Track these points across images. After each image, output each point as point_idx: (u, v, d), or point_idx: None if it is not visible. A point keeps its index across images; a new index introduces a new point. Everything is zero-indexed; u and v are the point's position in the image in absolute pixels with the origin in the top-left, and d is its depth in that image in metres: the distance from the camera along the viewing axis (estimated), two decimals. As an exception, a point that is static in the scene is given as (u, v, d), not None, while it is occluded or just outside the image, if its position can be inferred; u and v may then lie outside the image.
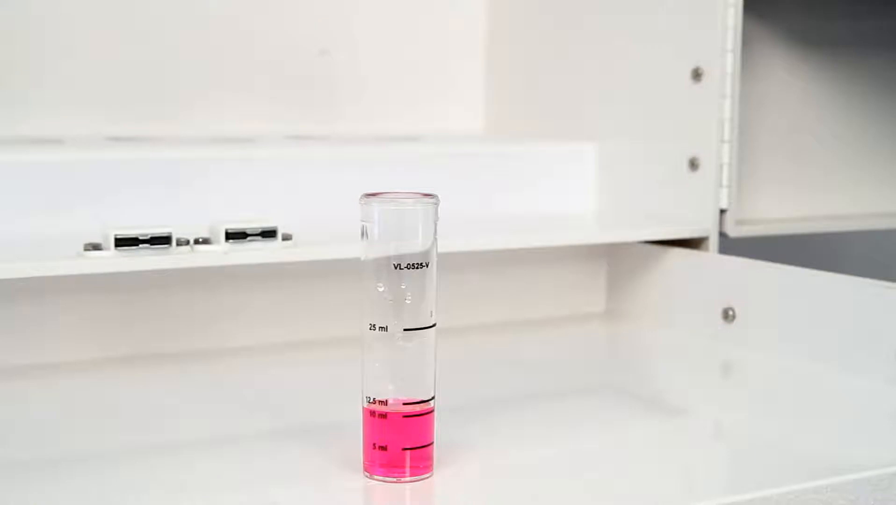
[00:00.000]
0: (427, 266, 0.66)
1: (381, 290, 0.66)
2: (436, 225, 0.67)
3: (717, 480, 0.74)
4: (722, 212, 1.05)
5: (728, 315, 1.00)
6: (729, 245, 1.06)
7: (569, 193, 1.15)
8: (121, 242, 0.85)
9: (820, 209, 1.21)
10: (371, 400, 0.67)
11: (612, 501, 0.67)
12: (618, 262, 1.13)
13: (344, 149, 1.10)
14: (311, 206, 1.01)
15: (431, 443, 0.68)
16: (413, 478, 0.67)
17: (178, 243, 0.87)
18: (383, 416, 0.66)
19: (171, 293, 0.96)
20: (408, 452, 0.66)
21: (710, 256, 1.04)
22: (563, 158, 1.15)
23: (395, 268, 0.66)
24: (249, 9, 1.19)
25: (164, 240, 0.86)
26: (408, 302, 0.66)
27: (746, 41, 1.06)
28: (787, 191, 1.19)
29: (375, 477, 0.67)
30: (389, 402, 0.66)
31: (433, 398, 0.67)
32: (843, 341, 0.91)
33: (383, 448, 0.66)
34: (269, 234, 0.90)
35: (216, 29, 1.17)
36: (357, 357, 0.67)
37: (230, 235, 0.88)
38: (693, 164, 1.05)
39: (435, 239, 0.66)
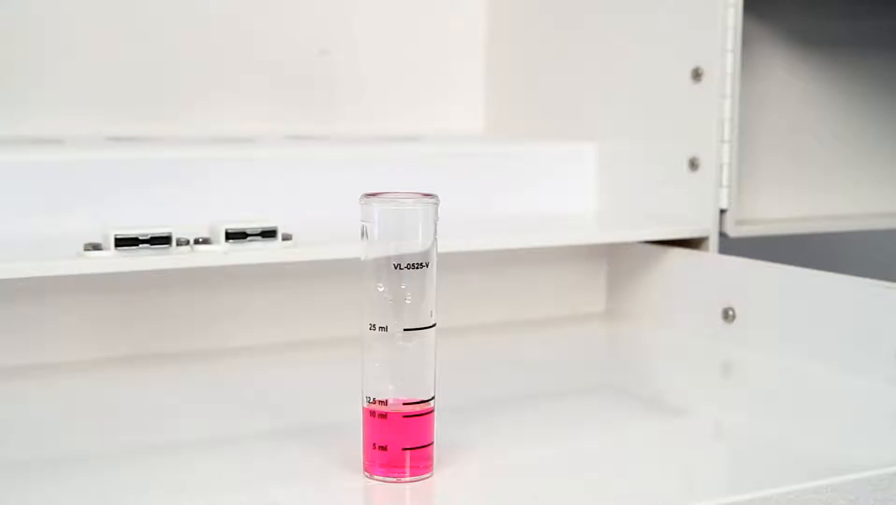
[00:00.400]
0: (427, 266, 0.66)
1: (381, 290, 0.66)
2: (436, 225, 0.67)
3: (717, 480, 0.74)
4: (722, 212, 1.05)
5: (728, 315, 1.00)
6: (729, 245, 1.06)
7: (569, 193, 1.15)
8: (121, 242, 0.85)
9: (820, 209, 1.21)
10: (371, 400, 0.67)
11: (612, 501, 0.67)
12: (618, 262, 1.13)
13: (344, 149, 1.10)
14: (311, 206, 1.01)
15: (431, 443, 0.67)
16: (413, 478, 0.67)
17: (178, 243, 0.87)
18: (383, 416, 0.66)
19: (171, 293, 0.96)
20: (408, 452, 0.66)
21: (710, 256, 1.04)
22: (563, 158, 1.15)
23: (395, 268, 0.66)
24: (249, 9, 1.19)
25: (164, 240, 0.86)
26: (408, 302, 0.66)
27: (746, 41, 1.05)
28: (787, 191, 1.19)
29: (375, 477, 0.67)
30: (389, 402, 0.66)
31: (433, 398, 0.67)
32: (843, 341, 0.91)
33: (383, 448, 0.66)
34: (269, 234, 0.90)
35: (216, 29, 1.17)
36: (357, 357, 0.67)
37: (230, 235, 0.88)
38: (693, 164, 1.05)
39: (435, 239, 0.66)
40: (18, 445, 0.75)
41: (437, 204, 0.67)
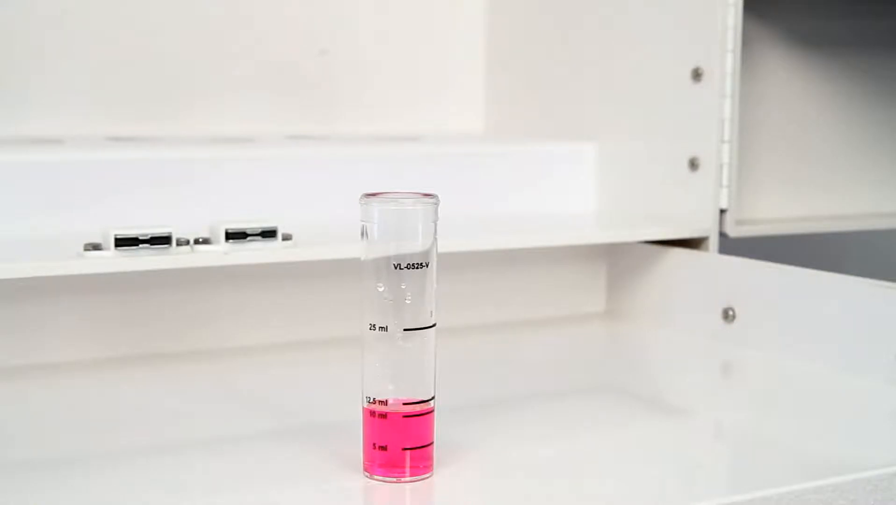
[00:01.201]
0: (427, 266, 0.66)
1: (381, 290, 0.66)
2: (436, 225, 0.67)
3: (718, 480, 0.74)
4: (722, 212, 1.05)
5: (728, 315, 1.00)
6: (729, 245, 1.06)
7: (569, 193, 1.15)
8: (121, 242, 0.85)
9: (820, 209, 1.21)
10: (371, 400, 0.67)
11: (612, 501, 0.67)
12: (618, 262, 1.13)
13: (344, 149, 1.10)
14: (311, 206, 1.01)
15: (431, 443, 0.68)
16: (413, 478, 0.67)
17: (178, 243, 0.87)
18: (383, 416, 0.66)
19: (171, 293, 0.96)
20: (408, 452, 0.66)
21: (710, 256, 1.04)
22: (563, 158, 1.15)
23: (395, 268, 0.66)
24: (249, 9, 1.19)
25: (164, 240, 0.86)
26: (408, 302, 0.66)
27: (746, 41, 1.06)
28: (787, 191, 1.19)
29: (375, 477, 0.67)
30: (389, 402, 0.66)
31: (433, 398, 0.67)
32: (843, 341, 0.91)
33: (383, 448, 0.66)
34: (269, 234, 0.90)
35: (216, 29, 1.17)
36: (357, 357, 0.67)
37: (230, 235, 0.88)
38: (693, 164, 1.05)
39: (435, 239, 0.67)
40: (18, 445, 0.75)
41: (437, 204, 0.67)
